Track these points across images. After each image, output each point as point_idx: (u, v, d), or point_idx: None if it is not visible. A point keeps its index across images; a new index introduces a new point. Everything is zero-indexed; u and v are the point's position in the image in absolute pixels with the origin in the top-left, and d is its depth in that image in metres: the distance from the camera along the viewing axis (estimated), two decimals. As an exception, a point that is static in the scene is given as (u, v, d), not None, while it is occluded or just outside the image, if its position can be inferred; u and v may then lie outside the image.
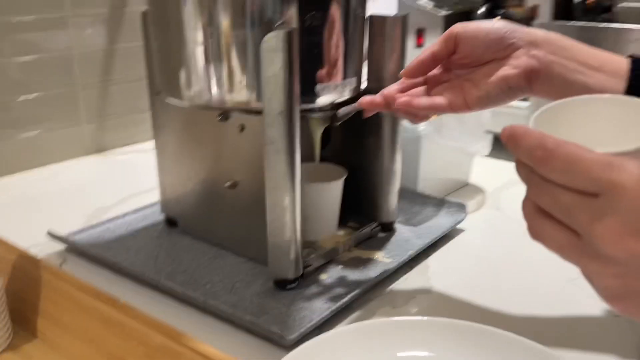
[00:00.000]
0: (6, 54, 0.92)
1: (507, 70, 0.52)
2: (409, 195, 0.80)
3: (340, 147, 0.72)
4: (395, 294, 0.62)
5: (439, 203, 0.78)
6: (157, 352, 0.45)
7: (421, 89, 0.57)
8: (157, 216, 0.76)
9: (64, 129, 1.02)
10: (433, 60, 0.56)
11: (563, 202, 0.31)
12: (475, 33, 0.53)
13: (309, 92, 0.59)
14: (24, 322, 0.55)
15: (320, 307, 0.57)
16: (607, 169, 0.29)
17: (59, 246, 0.71)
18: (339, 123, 0.63)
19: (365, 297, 0.61)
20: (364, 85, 0.66)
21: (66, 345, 0.51)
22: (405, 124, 0.72)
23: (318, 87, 0.59)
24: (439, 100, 0.54)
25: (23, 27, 0.93)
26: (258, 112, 0.58)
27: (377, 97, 0.57)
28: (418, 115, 0.57)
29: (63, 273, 0.53)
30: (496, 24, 0.53)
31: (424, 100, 0.55)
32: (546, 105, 0.38)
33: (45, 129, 0.99)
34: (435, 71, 0.57)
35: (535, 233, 0.34)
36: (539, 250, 0.71)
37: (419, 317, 0.53)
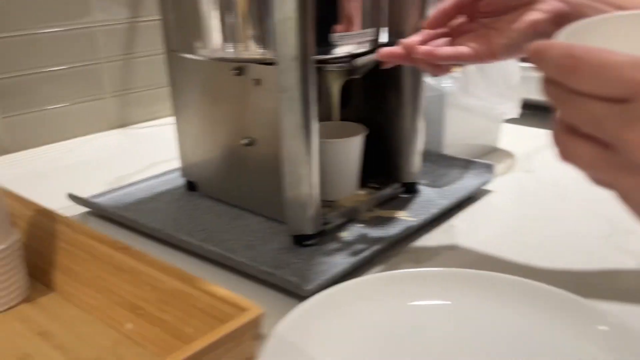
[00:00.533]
0: (32, 27, 0.93)
1: (535, 15, 0.49)
2: (434, 157, 0.77)
3: (360, 105, 0.70)
4: (418, 250, 0.60)
5: (465, 165, 0.75)
6: (171, 296, 0.43)
7: (444, 39, 0.54)
8: (178, 181, 0.76)
9: (88, 103, 1.02)
10: (457, 8, 0.53)
11: (592, 113, 0.29)
12: None
13: (324, 42, 0.57)
14: (41, 276, 0.55)
15: (341, 262, 0.55)
16: (637, 70, 0.27)
17: (80, 209, 0.70)
18: (356, 76, 0.61)
19: (387, 254, 0.59)
20: (383, 38, 0.64)
21: (81, 296, 0.51)
22: (428, 81, 0.70)
23: (334, 36, 0.57)
24: (463, 49, 0.52)
25: (47, 1, 0.93)
26: (272, 64, 0.56)
27: (397, 48, 0.54)
28: (441, 66, 0.55)
29: (78, 224, 0.52)
30: None
31: (447, 50, 0.52)
32: (576, 22, 0.36)
33: (69, 102, 1.00)
34: (459, 21, 0.54)
35: (565, 153, 0.31)
36: (572, 211, 0.68)
37: (440, 269, 0.51)
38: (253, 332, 0.38)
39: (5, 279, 0.50)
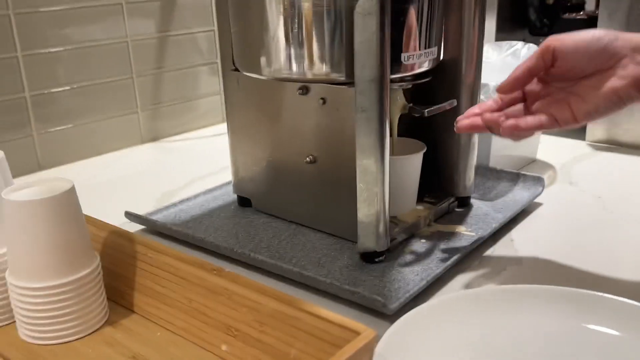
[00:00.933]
0: (63, 43, 0.92)
1: (615, 81, 0.49)
2: (482, 170, 0.78)
3: (415, 120, 0.71)
4: (485, 265, 0.61)
5: (514, 177, 0.77)
6: (271, 317, 0.44)
7: (520, 106, 0.54)
8: (229, 197, 0.76)
9: (120, 117, 1.02)
10: (529, 75, 0.53)
11: None
12: (575, 46, 0.50)
13: (396, 62, 0.58)
14: (119, 297, 0.55)
15: (413, 279, 0.56)
16: None
17: (136, 227, 0.70)
18: (417, 115, 0.62)
19: (455, 269, 0.60)
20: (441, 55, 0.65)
21: (167, 317, 0.51)
22: (481, 97, 0.71)
23: (404, 56, 0.58)
24: (544, 118, 0.51)
25: (78, 15, 0.93)
26: (339, 84, 0.57)
27: (477, 120, 0.54)
28: (524, 135, 0.54)
29: (159, 244, 0.52)
30: (595, 34, 0.50)
31: (531, 121, 0.51)
32: None
33: (102, 117, 0.99)
34: (534, 85, 0.54)
35: None
36: (622, 220, 0.69)
37: (528, 285, 0.52)
38: (369, 356, 0.38)
39: (89, 303, 0.50)
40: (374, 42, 0.52)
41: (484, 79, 0.72)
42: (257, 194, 0.72)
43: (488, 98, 0.73)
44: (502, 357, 0.45)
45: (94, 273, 0.50)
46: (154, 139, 1.07)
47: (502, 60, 0.85)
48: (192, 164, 0.94)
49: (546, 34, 0.83)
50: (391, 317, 0.50)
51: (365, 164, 0.56)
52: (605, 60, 0.50)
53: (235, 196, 0.75)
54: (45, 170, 0.94)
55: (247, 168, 0.71)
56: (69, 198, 0.49)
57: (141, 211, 0.71)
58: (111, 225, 0.56)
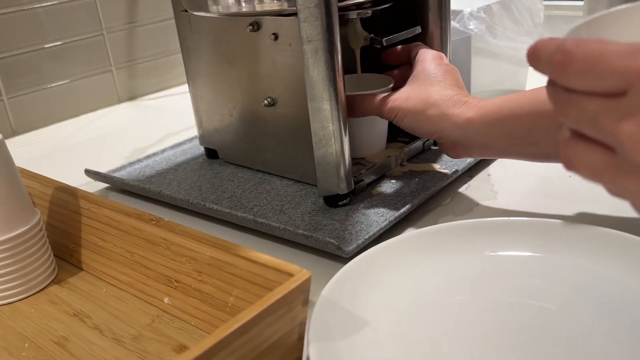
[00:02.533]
0: (29, 2, 0.89)
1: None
2: (461, 106, 0.74)
3: (380, 56, 0.67)
4: (456, 203, 0.57)
5: (495, 111, 0.72)
6: (209, 266, 0.41)
7: None
8: (197, 150, 0.73)
9: (94, 77, 0.99)
10: None
11: (589, 111, 0.26)
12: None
13: (346, -13, 0.53)
14: (68, 256, 0.52)
15: (377, 220, 0.53)
16: (632, 58, 0.24)
17: (98, 185, 0.68)
18: (378, 46, 0.58)
19: (424, 208, 0.56)
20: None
21: (113, 273, 0.48)
22: (453, 24, 0.66)
23: (356, -21, 0.53)
24: None
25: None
26: (289, 15, 0.53)
27: None
28: None
29: (102, 199, 0.49)
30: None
31: None
32: (590, 16, 0.31)
33: (74, 78, 0.96)
34: None
35: (567, 161, 0.28)
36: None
37: (500, 218, 0.48)
38: (303, 297, 0.36)
39: (31, 261, 0.48)
40: (314, -38, 0.47)
41: (458, 5, 0.67)
42: (223, 144, 0.68)
43: (462, 27, 0.68)
44: (456, 297, 0.42)
45: (34, 229, 0.48)
46: (132, 97, 1.04)
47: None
48: (168, 121, 0.91)
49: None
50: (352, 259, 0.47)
51: (317, 101, 0.52)
52: None
53: (203, 149, 0.71)
54: (20, 136, 0.91)
55: (210, 117, 0.68)
56: (-3, 152, 0.46)
57: (109, 168, 0.69)
58: (56, 181, 0.53)
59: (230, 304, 0.40)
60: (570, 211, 0.53)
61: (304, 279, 0.36)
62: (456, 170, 0.60)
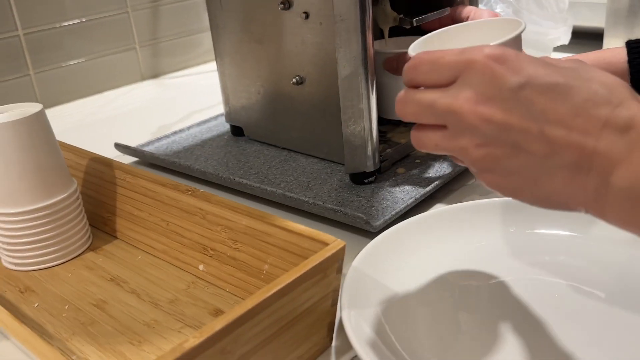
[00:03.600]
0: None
1: None
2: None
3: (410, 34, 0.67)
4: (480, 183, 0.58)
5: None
6: (244, 234, 0.43)
7: None
8: (222, 127, 0.74)
9: (118, 55, 1.00)
10: None
11: (428, 100, 0.32)
12: None
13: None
14: (101, 224, 0.54)
15: (403, 198, 0.54)
16: (462, 53, 0.32)
17: (127, 159, 0.70)
18: (407, 26, 0.58)
19: (448, 187, 0.57)
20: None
21: (147, 241, 0.50)
22: (481, 7, 0.66)
23: (388, -40, 0.54)
24: None
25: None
26: (324, -6, 0.54)
27: None
28: None
29: (139, 170, 0.51)
30: None
31: None
32: (440, 29, 0.46)
33: (99, 55, 0.98)
34: None
35: (416, 143, 0.35)
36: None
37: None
38: (337, 265, 0.37)
39: (69, 228, 0.49)
40: (350, -58, 0.48)
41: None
42: (249, 121, 0.70)
43: (489, 7, 0.68)
44: (481, 271, 0.43)
45: (71, 198, 0.49)
46: (155, 75, 1.05)
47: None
48: (193, 99, 0.92)
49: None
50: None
51: (347, 80, 0.53)
52: None
53: (229, 126, 0.73)
54: (47, 109, 0.93)
55: (238, 95, 0.69)
56: (39, 121, 0.48)
57: (137, 143, 0.70)
58: (90, 152, 0.55)
59: (264, 271, 0.41)
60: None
61: (339, 247, 0.37)
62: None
